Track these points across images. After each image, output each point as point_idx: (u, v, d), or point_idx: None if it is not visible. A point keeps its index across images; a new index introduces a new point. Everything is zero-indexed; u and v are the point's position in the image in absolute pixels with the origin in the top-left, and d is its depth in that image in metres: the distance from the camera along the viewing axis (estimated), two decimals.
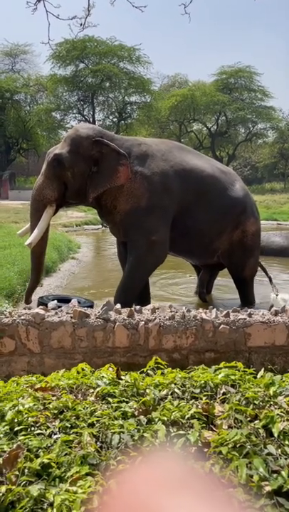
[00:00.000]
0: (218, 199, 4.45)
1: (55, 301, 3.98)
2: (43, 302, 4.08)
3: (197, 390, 1.48)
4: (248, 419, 1.32)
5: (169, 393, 1.45)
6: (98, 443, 1.17)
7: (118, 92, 27.75)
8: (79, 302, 4.14)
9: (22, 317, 2.86)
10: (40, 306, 3.16)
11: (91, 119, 27.62)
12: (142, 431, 1.19)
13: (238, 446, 1.17)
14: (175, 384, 1.50)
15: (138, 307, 3.16)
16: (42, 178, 4.27)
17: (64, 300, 4.19)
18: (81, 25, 3.42)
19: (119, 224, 4.31)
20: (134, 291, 4.31)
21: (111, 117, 29.35)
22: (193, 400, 1.44)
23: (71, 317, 2.88)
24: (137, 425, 1.22)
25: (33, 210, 4.34)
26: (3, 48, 29.53)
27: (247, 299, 4.85)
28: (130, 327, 2.88)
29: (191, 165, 4.40)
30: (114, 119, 29.05)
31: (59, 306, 3.29)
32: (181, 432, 1.24)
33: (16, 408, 1.25)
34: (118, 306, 3.28)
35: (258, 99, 30.87)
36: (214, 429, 1.30)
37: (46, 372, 2.29)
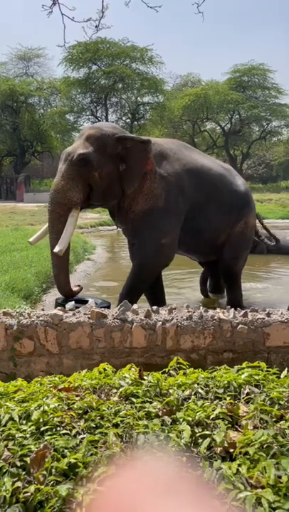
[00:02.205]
0: (226, 196, 4.52)
1: (73, 302, 4.01)
2: (60, 303, 4.10)
3: (221, 390, 1.47)
4: (274, 419, 1.30)
5: (193, 393, 1.44)
6: (123, 443, 1.17)
7: (131, 93, 27.81)
8: (96, 303, 4.17)
9: (40, 318, 2.88)
10: (58, 307, 3.18)
11: (104, 121, 27.72)
12: (166, 431, 1.18)
13: (264, 446, 1.15)
14: (198, 384, 1.49)
15: (155, 307, 3.16)
16: (64, 180, 4.02)
17: (81, 301, 4.20)
18: (96, 27, 3.42)
19: (131, 223, 4.19)
20: (138, 292, 4.26)
21: (124, 118, 29.44)
22: (217, 400, 1.43)
23: (89, 318, 2.89)
24: (162, 425, 1.22)
25: (56, 215, 4.06)
26: (17, 52, 29.90)
27: (236, 299, 4.70)
28: (148, 327, 2.88)
29: (200, 164, 4.43)
30: (128, 120, 29.12)
31: (76, 307, 3.30)
32: (207, 432, 1.22)
33: (42, 408, 1.25)
34: (135, 306, 3.28)
35: (271, 97, 30.59)
36: (239, 429, 1.29)
37: (65, 372, 2.30)
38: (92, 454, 1.09)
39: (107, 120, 27.74)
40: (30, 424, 1.21)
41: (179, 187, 4.19)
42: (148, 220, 4.10)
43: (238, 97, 28.53)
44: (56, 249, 3.94)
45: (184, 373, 1.60)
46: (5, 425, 1.22)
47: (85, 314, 2.93)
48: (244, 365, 1.69)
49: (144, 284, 4.35)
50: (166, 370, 1.65)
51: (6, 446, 1.12)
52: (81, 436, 1.18)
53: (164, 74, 41.21)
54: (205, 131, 33.09)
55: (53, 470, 1.02)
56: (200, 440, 1.19)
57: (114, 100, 28.27)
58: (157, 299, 4.53)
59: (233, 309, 3.12)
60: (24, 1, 65.97)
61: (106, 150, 3.95)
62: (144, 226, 4.13)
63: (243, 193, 4.72)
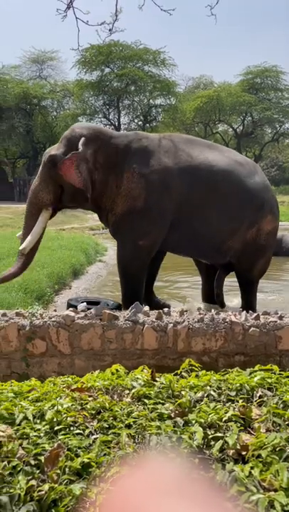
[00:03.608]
0: (232, 196, 4.06)
1: (85, 304, 4.04)
2: (72, 304, 4.13)
3: (233, 393, 1.47)
4: (287, 422, 1.30)
5: (205, 395, 1.44)
6: (136, 444, 1.17)
7: (143, 95, 27.88)
8: (107, 304, 4.18)
9: (53, 319, 2.90)
10: (70, 309, 3.20)
11: (116, 123, 27.87)
12: (179, 433, 1.19)
13: (277, 449, 1.15)
14: (210, 386, 1.49)
15: (166, 309, 3.16)
16: (37, 180, 4.04)
17: (93, 302, 4.22)
18: (110, 30, 3.43)
19: (112, 225, 4.08)
20: (135, 293, 4.07)
21: (136, 121, 29.52)
22: (229, 403, 1.43)
23: (100, 319, 2.90)
24: (174, 427, 1.22)
25: (29, 214, 4.07)
26: (31, 55, 30.19)
27: (249, 304, 4.44)
28: (159, 329, 2.88)
29: (199, 159, 4.02)
30: (140, 123, 29.19)
31: (88, 309, 3.32)
32: (219, 434, 1.22)
33: (55, 408, 1.26)
34: (146, 308, 3.29)
35: (284, 99, 30.38)
36: (252, 432, 1.28)
37: (77, 373, 2.32)
38: (105, 454, 1.10)
39: (119, 123, 27.87)
40: (44, 423, 1.23)
41: (165, 185, 3.90)
42: (126, 221, 3.93)
43: (250, 98, 28.39)
44: (20, 247, 3.96)
45: (196, 375, 1.61)
46: (19, 424, 1.24)
47: (96, 316, 2.95)
48: (256, 367, 1.68)
49: (134, 285, 4.13)
50: (178, 371, 1.66)
51: (20, 444, 1.14)
52: (94, 437, 1.19)
53: (177, 76, 41.29)
54: (217, 133, 33.01)
55: (67, 469, 1.03)
56: (212, 442, 1.19)
57: (127, 103, 28.37)
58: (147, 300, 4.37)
59: (244, 312, 3.11)
60: (38, 5, 66.66)
61: (73, 150, 3.80)
62: (122, 227, 3.99)
63: (255, 195, 4.16)
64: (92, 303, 4.16)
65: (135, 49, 26.38)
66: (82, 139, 3.78)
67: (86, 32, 4.57)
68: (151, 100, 28.26)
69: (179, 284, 6.58)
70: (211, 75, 43.08)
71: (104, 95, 27.31)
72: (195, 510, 0.42)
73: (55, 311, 3.23)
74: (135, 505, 0.42)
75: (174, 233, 4.03)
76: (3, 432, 1.16)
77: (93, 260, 8.10)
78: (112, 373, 1.60)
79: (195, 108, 28.65)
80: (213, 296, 4.81)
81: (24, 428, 1.21)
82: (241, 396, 1.47)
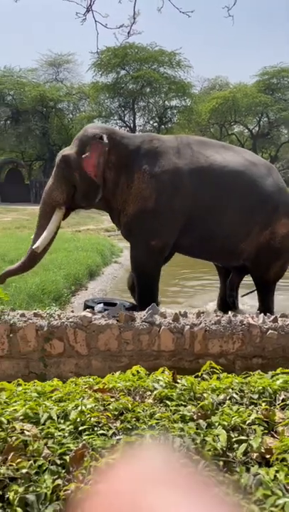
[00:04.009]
0: (244, 197, 4.01)
1: (102, 305, 4.06)
2: (88, 305, 4.16)
3: (255, 396, 1.46)
4: None
5: (227, 398, 1.43)
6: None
7: (158, 96, 27.89)
8: (124, 306, 4.20)
9: (70, 320, 2.92)
10: (87, 309, 3.22)
11: (132, 125, 27.94)
12: (202, 435, 1.18)
13: None
14: (232, 389, 1.48)
15: (183, 311, 3.16)
16: (51, 180, 4.13)
17: (109, 303, 4.24)
18: (128, 33, 3.45)
19: (124, 226, 4.11)
20: (150, 295, 4.10)
21: (151, 122, 29.54)
22: (252, 406, 1.42)
23: (117, 320, 2.91)
24: (197, 429, 1.22)
25: (42, 213, 4.14)
26: (47, 59, 30.49)
27: (266, 306, 4.36)
28: (175, 331, 2.88)
29: (210, 160, 4.00)
30: (155, 124, 29.21)
31: (105, 310, 3.34)
32: (243, 437, 1.22)
33: (79, 408, 1.27)
34: (163, 310, 3.29)
35: None
36: (275, 435, 1.27)
37: (93, 374, 2.33)
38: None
39: (134, 124, 27.95)
40: (68, 423, 1.24)
41: (175, 186, 3.90)
42: (138, 222, 3.95)
43: (266, 99, 28.14)
44: (34, 246, 4.01)
45: (218, 378, 1.60)
46: (44, 424, 1.25)
47: (113, 317, 2.96)
48: (278, 370, 1.67)
49: (150, 287, 4.16)
50: (199, 374, 1.66)
51: (45, 444, 1.15)
52: (118, 437, 1.19)
53: (192, 77, 41.18)
54: (233, 134, 32.81)
55: (92, 469, 1.04)
56: (235, 445, 1.19)
57: (142, 104, 28.42)
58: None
59: (262, 314, 3.08)
60: (55, 8, 67.36)
61: (85, 151, 3.89)
62: (134, 228, 4.01)
63: (269, 196, 4.07)
64: (108, 304, 4.18)
65: (151, 51, 26.43)
66: (105, 135, 3.83)
67: (102, 35, 4.60)
68: (166, 102, 28.26)
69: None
70: (227, 76, 42.70)
71: (120, 97, 27.42)
72: (185, 500, 0.41)
73: (72, 311, 3.26)
74: (124, 498, 0.42)
75: (185, 234, 4.03)
76: (28, 431, 1.17)
77: (109, 261, 8.14)
78: (133, 374, 1.60)
79: (210, 109, 28.53)
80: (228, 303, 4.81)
81: (49, 428, 1.23)
82: (264, 399, 1.46)
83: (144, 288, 4.16)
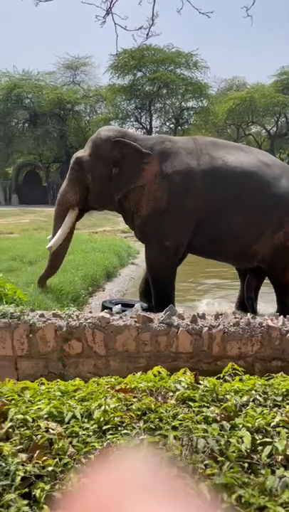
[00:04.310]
0: (255, 198, 3.99)
1: (120, 306, 4.08)
2: (106, 306, 4.18)
3: (279, 398, 1.44)
4: None
5: (250, 400, 1.43)
6: (182, 446, 1.17)
7: (175, 98, 27.86)
8: (142, 307, 4.21)
9: (88, 320, 2.94)
10: (105, 310, 3.24)
11: (148, 127, 27.98)
12: (226, 436, 1.18)
13: None
14: (255, 391, 1.47)
15: (201, 313, 3.15)
16: (65, 182, 4.25)
17: (127, 304, 4.26)
18: (147, 35, 3.47)
19: (138, 227, 4.17)
20: (166, 295, 4.14)
21: (168, 124, 29.52)
22: (276, 408, 1.40)
23: (135, 321, 2.92)
24: (221, 430, 1.21)
25: (57, 214, 4.31)
26: (65, 61, 30.77)
27: (285, 308, 4.29)
28: (193, 333, 2.87)
29: (222, 161, 4.01)
30: (171, 126, 29.18)
31: (123, 311, 3.35)
32: (267, 439, 1.21)
33: (102, 408, 1.29)
34: (180, 311, 3.28)
35: None
36: None
37: (111, 375, 2.34)
38: (153, 455, 1.10)
39: (150, 126, 27.97)
40: (92, 422, 1.25)
41: (187, 186, 3.93)
42: (151, 223, 4.00)
43: (284, 99, 27.82)
44: (47, 246, 4.27)
45: (240, 379, 1.59)
46: (68, 422, 1.27)
47: (131, 318, 2.97)
48: None
49: (166, 287, 4.18)
50: (221, 375, 1.65)
51: (70, 442, 1.16)
52: (141, 437, 1.20)
53: (209, 78, 40.92)
54: (250, 134, 32.55)
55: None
56: (259, 447, 1.18)
57: (159, 106, 28.43)
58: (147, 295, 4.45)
59: (282, 316, 3.05)
60: (72, 11, 68.02)
61: (99, 153, 4.00)
62: (148, 229, 4.07)
63: (281, 198, 4.02)
64: (126, 305, 4.20)
65: (167, 52, 26.43)
66: (136, 144, 3.91)
67: (120, 37, 4.63)
68: (183, 103, 28.21)
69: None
70: (244, 76, 42.45)
71: (136, 99, 27.48)
72: (167, 507, 0.41)
73: (90, 312, 3.28)
74: (105, 503, 0.42)
75: (197, 235, 4.05)
76: (53, 429, 1.19)
77: (126, 263, 8.16)
78: (154, 375, 1.61)
79: (227, 110, 28.36)
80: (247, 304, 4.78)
81: (73, 426, 1.24)
82: (288, 401, 1.44)
83: (160, 289, 4.18)
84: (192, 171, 3.94)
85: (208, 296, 5.83)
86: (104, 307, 4.25)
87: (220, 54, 63.05)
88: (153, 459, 0.96)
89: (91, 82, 31.51)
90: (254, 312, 4.68)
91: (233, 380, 1.62)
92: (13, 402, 1.36)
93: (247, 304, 4.75)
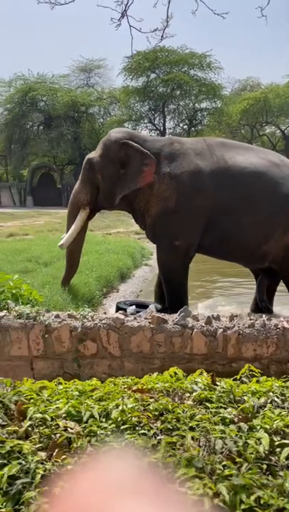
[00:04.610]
0: (263, 198, 3.99)
1: (134, 307, 4.09)
2: (120, 307, 4.20)
3: None
4: None
5: (268, 401, 1.42)
6: (200, 447, 1.18)
7: (189, 99, 27.84)
8: (156, 308, 4.21)
9: (103, 321, 2.95)
10: (120, 311, 3.25)
11: (162, 128, 28.00)
12: (244, 438, 1.18)
13: None
14: (273, 392, 1.46)
15: (216, 314, 3.13)
16: (78, 182, 4.40)
17: (141, 305, 4.27)
18: (161, 36, 3.49)
19: (148, 227, 4.23)
20: (179, 296, 4.17)
21: (181, 125, 29.51)
22: None
23: (149, 322, 2.92)
24: (238, 432, 1.21)
25: (69, 214, 4.48)
26: (79, 64, 31.02)
27: None
28: (208, 334, 2.86)
29: (231, 162, 4.02)
30: (185, 127, 29.16)
31: (137, 312, 3.36)
32: (286, 441, 1.20)
33: (120, 408, 1.29)
34: (195, 313, 3.27)
35: None
36: None
37: (126, 376, 2.35)
38: (170, 456, 1.11)
39: (164, 127, 27.99)
40: (110, 422, 1.26)
41: (195, 186, 3.96)
42: (161, 223, 4.06)
43: None
44: (58, 244, 4.47)
45: (257, 381, 1.58)
46: (86, 422, 1.28)
47: (145, 319, 2.98)
48: None
49: (179, 286, 4.21)
50: (238, 377, 1.65)
51: (89, 442, 1.17)
52: (159, 437, 1.20)
53: (223, 79, 40.73)
54: (264, 135, 32.32)
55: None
56: (278, 449, 1.17)
57: (172, 107, 28.44)
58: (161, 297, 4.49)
59: None
60: (86, 14, 68.56)
61: (108, 154, 4.12)
62: (158, 229, 4.12)
63: None
64: (140, 306, 4.21)
65: (181, 54, 26.43)
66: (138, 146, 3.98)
67: (135, 39, 4.63)
68: (196, 104, 28.17)
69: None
70: (258, 76, 42.18)
71: (150, 100, 27.53)
72: (149, 508, 0.41)
73: (105, 313, 3.30)
74: (87, 505, 0.42)
75: (207, 235, 4.06)
76: (71, 428, 1.20)
77: (139, 264, 8.18)
78: (171, 376, 1.61)
79: (241, 110, 28.22)
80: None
81: (91, 426, 1.25)
82: None
83: (173, 289, 4.22)
84: (201, 172, 3.97)
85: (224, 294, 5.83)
86: (118, 308, 4.27)
87: (234, 54, 62.75)
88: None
89: (105, 85, 31.72)
90: (270, 313, 4.65)
91: (249, 381, 1.61)
92: (31, 401, 1.38)
93: (260, 305, 4.72)
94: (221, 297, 5.84)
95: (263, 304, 4.73)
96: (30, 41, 68.98)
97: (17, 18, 72.42)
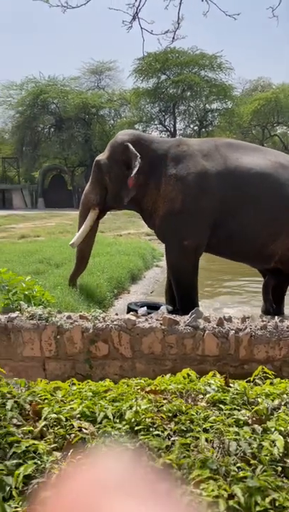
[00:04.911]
0: (270, 199, 3.99)
1: (145, 308, 4.09)
2: (132, 308, 4.20)
3: None
4: None
5: (282, 404, 1.41)
6: (214, 448, 1.17)
7: (199, 100, 27.79)
8: (167, 309, 4.21)
9: (115, 322, 2.96)
10: (131, 313, 3.26)
11: (172, 129, 27.98)
12: (258, 440, 1.17)
13: None
14: (287, 395, 1.45)
15: (228, 316, 3.12)
16: (88, 183, 4.55)
17: (152, 307, 4.27)
18: (173, 38, 3.50)
19: (157, 228, 4.32)
20: (189, 297, 4.20)
21: (192, 126, 29.46)
22: None
23: (161, 324, 2.92)
24: (252, 434, 1.21)
25: (80, 214, 4.66)
26: (90, 66, 31.18)
27: None
28: (220, 336, 2.85)
29: (236, 163, 4.06)
30: (195, 128, 29.11)
31: (149, 313, 3.36)
32: None
33: (134, 409, 1.30)
34: (207, 314, 3.26)
35: None
36: None
37: (138, 377, 2.36)
38: (184, 457, 1.11)
39: (174, 129, 27.97)
40: (124, 423, 1.26)
41: (201, 187, 4.00)
42: (168, 223, 4.12)
43: None
44: (70, 243, 4.69)
45: (271, 383, 1.57)
46: (100, 422, 1.28)
47: (157, 320, 2.98)
48: None
49: (189, 286, 4.24)
50: (251, 378, 1.64)
51: (103, 442, 1.18)
52: (173, 439, 1.20)
53: (233, 79, 40.61)
54: (275, 135, 32.09)
55: (149, 469, 1.06)
56: None
57: (183, 108, 28.41)
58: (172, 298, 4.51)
59: None
60: (97, 16, 68.91)
61: (115, 156, 4.24)
62: (166, 230, 4.19)
63: None
64: (151, 307, 4.21)
65: (191, 55, 26.39)
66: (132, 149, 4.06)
67: (146, 41, 4.64)
68: (207, 105, 28.11)
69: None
70: (269, 76, 41.94)
71: (160, 102, 27.55)
72: (143, 508, 0.41)
73: (116, 314, 3.31)
74: (77, 505, 0.42)
75: (214, 235, 4.09)
76: (86, 429, 1.21)
77: (150, 265, 8.17)
78: (184, 377, 1.61)
79: (252, 111, 28.08)
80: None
81: (105, 426, 1.25)
82: None
83: (183, 290, 4.24)
84: (207, 173, 4.02)
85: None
86: (129, 309, 4.27)
87: (245, 55, 62.42)
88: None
89: (115, 86, 31.83)
90: (276, 314, 4.63)
91: (263, 383, 1.60)
92: (46, 401, 1.39)
93: (265, 305, 4.71)
94: (228, 296, 5.84)
95: (267, 304, 4.72)
96: (42, 44, 69.53)
97: (28, 21, 73.12)
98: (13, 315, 2.97)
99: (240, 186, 4.00)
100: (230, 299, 5.95)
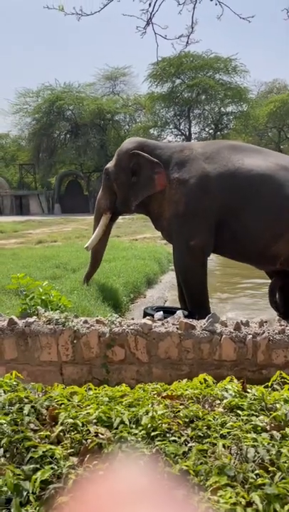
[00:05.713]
0: (271, 200, 3.99)
1: (161, 312, 4.08)
2: (148, 313, 4.19)
3: None
4: None
5: None
6: (232, 455, 1.16)
7: (214, 103, 27.76)
8: (183, 313, 4.18)
9: (131, 327, 2.96)
10: (147, 317, 3.25)
11: (187, 133, 27.99)
12: (277, 446, 1.16)
13: None
14: None
15: (245, 320, 3.09)
16: (100, 189, 4.86)
17: (168, 311, 4.25)
18: (187, 42, 3.50)
19: (165, 230, 4.49)
20: (200, 297, 4.29)
21: (207, 129, 29.43)
22: None
23: (177, 328, 2.91)
24: (270, 440, 1.19)
25: (95, 218, 5.02)
26: (104, 73, 31.50)
27: None
28: (237, 340, 2.82)
29: (238, 164, 4.11)
30: (211, 131, 29.06)
31: (165, 317, 3.35)
32: None
33: (150, 414, 1.29)
34: (224, 318, 3.24)
35: None
36: None
37: (154, 382, 2.35)
38: (201, 463, 1.10)
39: (189, 132, 27.98)
40: (140, 428, 1.26)
41: (203, 190, 4.11)
42: (173, 225, 4.27)
43: None
44: (84, 246, 5.14)
45: None
46: (117, 428, 1.28)
47: (173, 324, 2.96)
48: None
49: (198, 286, 4.31)
50: (269, 384, 1.61)
51: (119, 447, 1.18)
52: (189, 445, 1.19)
53: (248, 82, 40.45)
54: None
55: (166, 475, 1.05)
56: None
57: (197, 112, 28.42)
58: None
59: None
60: (110, 22, 69.59)
61: (121, 164, 4.51)
62: (172, 231, 4.33)
63: None
64: (167, 311, 4.19)
65: (206, 58, 26.41)
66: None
67: (160, 45, 4.67)
68: (222, 108, 28.06)
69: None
70: (285, 78, 41.60)
71: (175, 106, 27.62)
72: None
73: (132, 319, 3.31)
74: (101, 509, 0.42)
75: (218, 235, 4.15)
76: (102, 434, 1.21)
77: (166, 269, 8.15)
78: (200, 383, 1.60)
79: (268, 113, 27.91)
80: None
81: (122, 432, 1.25)
82: None
83: (192, 290, 4.31)
84: (208, 175, 4.13)
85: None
86: (145, 314, 4.26)
87: (260, 57, 62.22)
88: (147, 467, 0.96)
89: (130, 92, 32.08)
90: (285, 317, 4.57)
91: (281, 388, 1.57)
92: (62, 406, 1.39)
93: (271, 307, 4.67)
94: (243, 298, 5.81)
95: (273, 306, 4.68)
96: (58, 52, 70.61)
97: (43, 30, 74.32)
98: (30, 320, 3.00)
99: (241, 187, 4.07)
100: (245, 302, 5.91)
